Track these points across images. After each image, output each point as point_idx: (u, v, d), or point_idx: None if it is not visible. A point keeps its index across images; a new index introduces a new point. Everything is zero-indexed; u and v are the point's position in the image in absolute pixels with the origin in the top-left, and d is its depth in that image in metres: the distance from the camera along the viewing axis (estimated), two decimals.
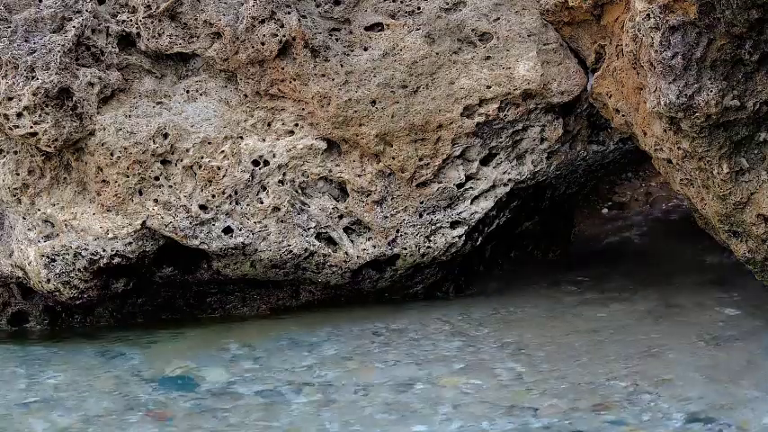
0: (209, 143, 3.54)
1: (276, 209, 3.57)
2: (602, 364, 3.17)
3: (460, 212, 3.68)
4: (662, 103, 3.08)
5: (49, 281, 3.52)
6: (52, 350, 3.54)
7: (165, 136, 3.53)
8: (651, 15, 3.04)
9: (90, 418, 2.96)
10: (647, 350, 3.27)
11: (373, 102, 3.56)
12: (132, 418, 2.95)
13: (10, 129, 3.47)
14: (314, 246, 3.60)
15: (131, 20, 3.56)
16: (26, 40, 3.47)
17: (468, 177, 3.68)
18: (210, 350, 3.44)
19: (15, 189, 3.58)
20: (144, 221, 3.52)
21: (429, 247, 3.67)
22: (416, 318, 3.67)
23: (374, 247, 3.63)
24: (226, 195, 3.54)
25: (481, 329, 3.55)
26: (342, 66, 3.55)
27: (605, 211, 4.90)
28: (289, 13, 3.52)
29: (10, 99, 3.44)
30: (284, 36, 3.50)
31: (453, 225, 3.69)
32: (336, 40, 3.59)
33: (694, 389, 2.95)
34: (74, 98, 3.46)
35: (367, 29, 3.62)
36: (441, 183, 3.64)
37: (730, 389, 2.93)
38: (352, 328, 3.60)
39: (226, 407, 2.99)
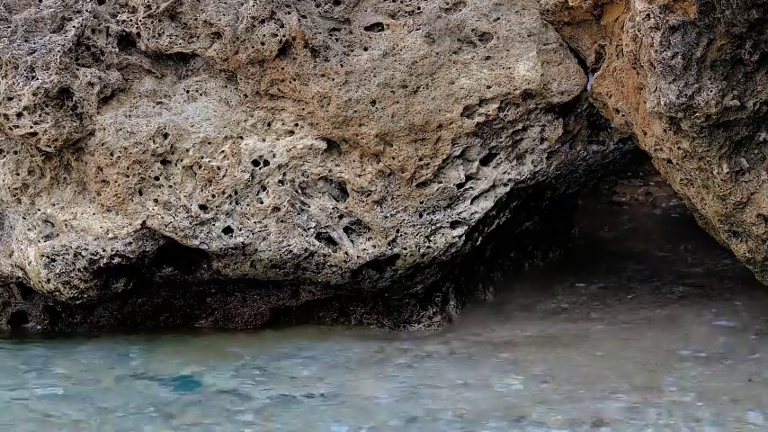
0: (209, 143, 3.54)
1: (276, 209, 3.57)
2: (601, 383, 3.15)
3: (460, 212, 3.68)
4: (662, 103, 3.08)
5: (49, 281, 3.52)
6: (54, 351, 3.54)
7: (165, 136, 3.53)
8: (651, 15, 3.04)
9: (96, 412, 2.97)
10: (646, 367, 3.25)
11: (373, 102, 3.56)
12: (138, 417, 2.95)
13: (10, 129, 3.47)
14: (314, 246, 3.60)
15: (131, 20, 3.56)
16: (26, 40, 3.47)
17: (469, 177, 3.68)
18: (213, 356, 3.45)
19: (15, 189, 3.58)
20: (144, 221, 3.52)
21: (429, 247, 3.66)
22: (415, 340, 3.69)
23: (374, 247, 3.63)
24: (226, 195, 3.54)
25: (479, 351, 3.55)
26: (342, 66, 3.55)
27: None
28: (289, 13, 3.52)
29: (10, 99, 3.44)
30: (284, 36, 3.50)
31: (453, 225, 3.68)
32: (336, 40, 3.59)
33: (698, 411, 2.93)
34: (74, 98, 3.46)
35: (367, 29, 3.62)
36: (441, 183, 3.64)
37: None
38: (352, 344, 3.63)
39: (229, 408, 3.00)
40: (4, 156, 3.59)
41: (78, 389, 3.18)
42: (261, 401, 3.07)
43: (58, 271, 3.51)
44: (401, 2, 3.64)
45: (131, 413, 2.97)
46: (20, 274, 3.61)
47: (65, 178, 3.57)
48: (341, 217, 3.62)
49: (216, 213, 3.54)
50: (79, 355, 3.49)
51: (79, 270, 3.51)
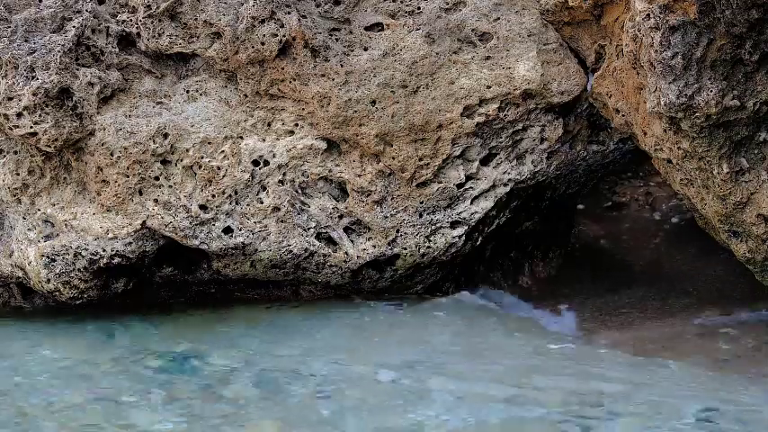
0: (209, 143, 3.54)
1: (276, 209, 3.57)
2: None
3: (460, 212, 3.68)
4: (662, 103, 3.08)
5: (49, 281, 3.52)
6: (54, 328, 3.54)
7: (165, 136, 3.53)
8: (651, 15, 3.04)
9: (94, 395, 2.97)
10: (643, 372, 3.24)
11: (373, 102, 3.56)
12: (134, 397, 2.95)
13: (10, 129, 3.47)
14: (314, 246, 3.60)
15: (131, 20, 3.56)
16: (26, 40, 3.47)
17: (468, 177, 3.68)
18: (211, 333, 3.45)
19: (15, 189, 3.58)
20: (144, 221, 3.52)
21: (429, 247, 3.67)
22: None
23: (374, 247, 3.63)
24: (226, 195, 3.54)
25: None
26: (342, 66, 3.55)
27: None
28: (289, 13, 3.52)
29: (10, 99, 3.45)
30: (284, 36, 3.51)
31: (453, 225, 3.69)
32: (336, 40, 3.59)
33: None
34: (74, 98, 3.46)
35: (367, 29, 3.62)
36: (441, 183, 3.64)
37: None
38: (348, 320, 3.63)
39: (223, 388, 3.00)
40: (4, 156, 3.59)
41: (74, 369, 3.18)
42: (255, 380, 3.08)
43: (58, 271, 3.51)
44: (401, 2, 3.64)
45: (129, 394, 2.97)
46: (20, 274, 3.61)
47: (65, 178, 3.57)
48: (341, 217, 3.62)
49: (216, 213, 3.54)
50: (75, 335, 3.50)
51: (79, 270, 3.51)
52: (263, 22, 3.50)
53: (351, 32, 3.61)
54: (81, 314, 3.67)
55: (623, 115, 3.49)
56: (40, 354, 3.32)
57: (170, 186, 3.54)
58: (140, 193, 3.52)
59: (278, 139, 3.59)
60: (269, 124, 3.60)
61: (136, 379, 3.09)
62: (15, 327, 3.58)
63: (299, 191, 3.60)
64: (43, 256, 3.51)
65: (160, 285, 3.73)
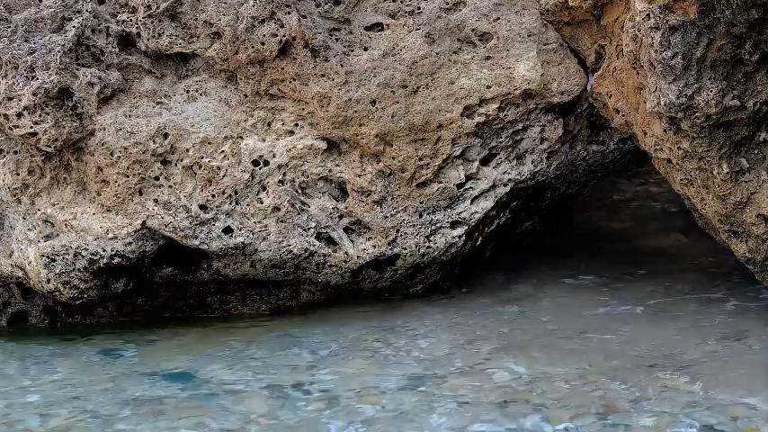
0: (209, 143, 3.55)
1: (276, 209, 3.57)
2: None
3: (460, 212, 3.68)
4: (662, 103, 3.09)
5: (49, 281, 3.52)
6: (51, 348, 3.54)
7: (165, 136, 3.53)
8: (651, 15, 3.05)
9: (91, 414, 2.96)
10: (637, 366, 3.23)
11: (373, 102, 3.56)
12: (131, 413, 2.95)
13: (10, 129, 3.47)
14: (314, 246, 3.60)
15: (131, 20, 3.56)
16: (26, 40, 3.47)
17: (469, 177, 3.68)
18: (210, 348, 3.45)
19: (15, 189, 3.58)
20: (144, 221, 3.52)
21: (429, 247, 3.67)
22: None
23: (374, 247, 3.63)
24: (226, 195, 3.54)
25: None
26: (342, 66, 3.55)
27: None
28: (289, 13, 3.52)
29: (10, 99, 3.45)
30: (284, 36, 3.51)
31: (453, 225, 3.69)
32: (336, 40, 3.59)
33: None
34: (74, 98, 3.47)
35: (367, 29, 3.62)
36: (441, 183, 3.64)
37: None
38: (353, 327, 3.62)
39: (225, 404, 3.00)
40: (4, 156, 3.59)
41: (72, 386, 3.17)
42: (256, 395, 3.07)
43: (58, 271, 3.51)
44: (401, 2, 3.64)
45: (122, 413, 2.97)
46: (20, 274, 3.61)
47: (65, 178, 3.57)
48: (341, 217, 3.63)
49: (216, 213, 3.54)
50: (73, 353, 3.50)
51: (79, 270, 3.51)
52: (263, 22, 3.50)
53: (351, 32, 3.61)
54: (75, 336, 3.68)
55: (623, 115, 3.49)
56: (36, 375, 3.32)
57: (170, 186, 3.54)
58: (140, 193, 3.52)
59: (278, 139, 3.59)
60: (269, 124, 3.60)
61: (138, 396, 3.08)
62: (11, 349, 3.58)
63: (299, 191, 3.60)
64: (43, 256, 3.51)
65: (160, 285, 3.73)
